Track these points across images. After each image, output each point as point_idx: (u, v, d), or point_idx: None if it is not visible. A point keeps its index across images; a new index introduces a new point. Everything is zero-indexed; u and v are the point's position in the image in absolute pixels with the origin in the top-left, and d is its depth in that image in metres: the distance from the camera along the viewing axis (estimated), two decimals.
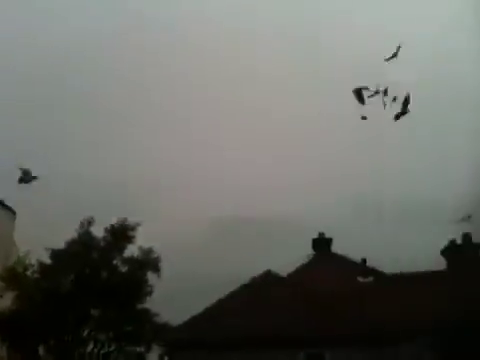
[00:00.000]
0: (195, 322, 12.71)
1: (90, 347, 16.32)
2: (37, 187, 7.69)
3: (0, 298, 16.01)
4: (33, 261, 17.02)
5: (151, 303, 16.88)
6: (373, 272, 15.06)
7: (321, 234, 17.47)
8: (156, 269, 17.11)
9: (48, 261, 17.15)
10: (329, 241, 17.38)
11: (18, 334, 15.53)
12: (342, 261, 16.22)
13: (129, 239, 17.79)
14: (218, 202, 33.21)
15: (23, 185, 7.59)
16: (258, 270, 14.36)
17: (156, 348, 15.29)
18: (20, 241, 21.48)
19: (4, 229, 21.28)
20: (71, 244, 17.38)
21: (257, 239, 30.05)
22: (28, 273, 16.94)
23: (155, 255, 17.30)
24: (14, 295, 16.28)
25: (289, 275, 15.44)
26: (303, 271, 16.00)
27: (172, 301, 15.89)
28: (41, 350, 16.38)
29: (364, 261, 15.39)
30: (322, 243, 17.30)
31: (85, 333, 16.46)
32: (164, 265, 17.35)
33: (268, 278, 14.14)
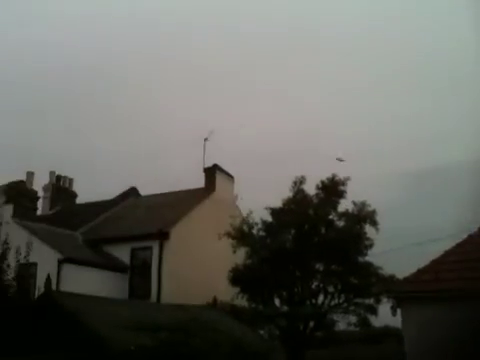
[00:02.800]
0: (421, 275, 12.57)
1: (321, 298, 17.35)
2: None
3: (234, 254, 17.81)
4: (257, 220, 18.51)
5: (372, 257, 17.12)
6: None
7: None
8: (373, 222, 17.23)
9: (269, 220, 18.51)
10: None
11: (254, 286, 17.29)
12: None
13: (341, 194, 18.23)
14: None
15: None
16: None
17: (385, 300, 15.54)
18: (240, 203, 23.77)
19: (226, 193, 23.59)
20: (287, 203, 18.46)
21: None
22: (254, 231, 18.51)
23: (370, 208, 17.43)
24: (245, 251, 18.02)
25: None
26: None
27: (393, 255, 15.80)
28: (276, 301, 18.01)
29: None
30: None
31: (314, 285, 17.56)
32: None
33: None
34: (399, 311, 12.34)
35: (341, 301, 17.15)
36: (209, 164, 23.79)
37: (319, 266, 17.65)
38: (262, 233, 18.45)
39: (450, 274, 12.08)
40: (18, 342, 11.83)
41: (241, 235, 18.12)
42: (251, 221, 18.53)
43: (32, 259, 16.15)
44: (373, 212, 17.38)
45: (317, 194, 18.47)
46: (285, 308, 17.60)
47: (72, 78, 41.95)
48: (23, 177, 23.37)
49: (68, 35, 42.28)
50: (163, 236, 19.60)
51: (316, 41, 41.10)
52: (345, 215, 17.94)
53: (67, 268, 17.82)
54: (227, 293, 17.51)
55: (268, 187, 26.71)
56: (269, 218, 18.51)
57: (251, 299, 17.60)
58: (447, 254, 12.96)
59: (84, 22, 42.51)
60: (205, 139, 23.98)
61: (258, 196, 23.34)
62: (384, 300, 15.59)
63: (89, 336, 11.29)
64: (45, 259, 17.49)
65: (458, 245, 13.12)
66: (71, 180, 27.50)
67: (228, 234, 18.00)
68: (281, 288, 17.59)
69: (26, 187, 23.14)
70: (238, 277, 17.35)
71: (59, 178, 26.94)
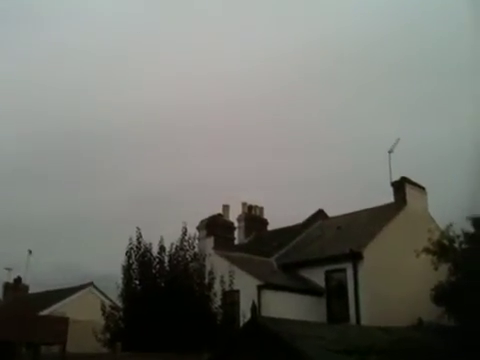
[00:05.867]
0: None
1: None
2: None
3: (435, 271, 16.57)
4: (458, 232, 17.02)
5: None
6: None
7: None
8: None
9: (472, 230, 16.88)
10: None
11: (461, 304, 15.75)
12: None
13: None
14: None
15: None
16: None
17: None
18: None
19: (418, 206, 22.25)
20: None
21: None
22: (455, 245, 17.03)
23: None
24: (447, 267, 16.63)
25: None
26: None
27: None
28: None
29: None
30: None
31: None
32: None
33: None
34: None
35: None
36: (396, 177, 22.76)
37: None
38: (465, 246, 16.90)
39: None
40: None
41: (442, 250, 16.85)
42: (452, 234, 17.17)
43: (234, 287, 17.13)
44: None
45: None
46: None
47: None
48: (220, 210, 25.10)
49: None
50: (356, 256, 19.16)
51: None
52: None
53: (266, 293, 18.44)
54: (431, 313, 16.31)
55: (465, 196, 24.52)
56: (471, 229, 16.93)
57: (459, 318, 16.09)
58: None
59: None
60: (389, 151, 23.08)
61: (455, 207, 21.55)
62: None
63: None
64: (246, 286, 18.37)
65: None
66: (261, 209, 28.75)
67: (427, 250, 16.92)
68: None
69: (224, 219, 24.86)
70: (442, 295, 16.07)
71: (250, 208, 28.36)
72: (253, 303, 14.09)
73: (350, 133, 40.29)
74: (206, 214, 23.75)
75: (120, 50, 44.55)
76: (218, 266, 17.63)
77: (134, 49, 44.98)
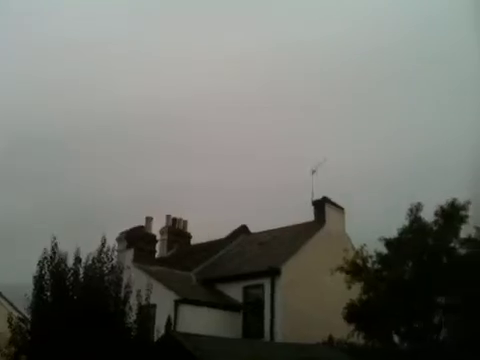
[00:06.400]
0: None
1: (443, 333, 16.08)
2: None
3: (349, 289, 17.16)
4: (370, 252, 17.74)
5: None
6: None
7: None
8: None
9: (384, 251, 17.66)
10: None
11: (370, 322, 16.46)
12: None
13: (462, 219, 16.99)
14: None
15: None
16: None
17: None
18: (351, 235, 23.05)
19: (336, 225, 22.99)
20: (403, 232, 17.53)
21: None
22: (368, 265, 17.74)
23: None
24: (360, 286, 17.29)
25: None
26: None
27: None
28: (395, 337, 16.97)
29: None
30: None
31: (436, 319, 16.33)
32: None
33: None
34: None
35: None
36: (317, 197, 23.41)
37: (441, 299, 16.40)
38: (377, 266, 17.66)
39: None
40: None
41: (355, 269, 17.49)
42: (365, 254, 17.85)
43: (152, 301, 16.82)
44: None
45: (436, 221, 17.40)
46: (405, 345, 16.51)
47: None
48: (142, 222, 24.69)
49: None
50: (274, 273, 19.46)
51: None
52: (468, 241, 16.62)
53: (183, 309, 18.30)
54: (343, 330, 16.85)
55: (380, 216, 25.66)
56: (384, 250, 17.72)
57: (368, 336, 16.75)
58: None
59: None
60: (313, 171, 23.71)
61: (370, 227, 22.51)
62: None
63: None
64: (163, 300, 18.12)
65: None
66: (186, 222, 28.53)
67: (341, 268, 17.48)
68: (400, 324, 16.57)
69: (145, 231, 24.46)
70: (354, 313, 16.69)
71: (175, 221, 28.08)
72: (168, 318, 13.93)
73: (283, 150, 40.80)
74: (130, 226, 23.33)
75: None
76: (137, 279, 17.22)
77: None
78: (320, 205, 23.07)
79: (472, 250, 16.42)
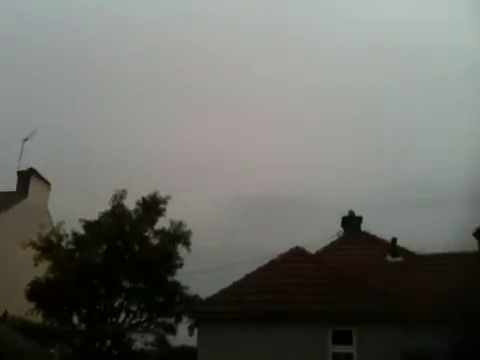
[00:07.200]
0: (223, 296, 12.87)
1: (122, 317, 16.77)
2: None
3: (35, 267, 16.43)
4: (68, 231, 17.42)
5: (181, 276, 17.18)
6: (403, 252, 14.93)
7: (351, 212, 17.36)
8: (186, 243, 17.34)
9: (82, 232, 17.56)
10: (359, 220, 17.27)
11: (53, 302, 16.08)
12: (371, 240, 16.14)
13: (160, 212, 18.07)
14: (249, 181, 33.61)
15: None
16: (287, 247, 14.35)
17: (185, 320, 15.61)
18: (54, 212, 22.21)
19: (39, 200, 21.88)
20: (104, 216, 17.74)
21: (287, 218, 30.34)
22: (62, 243, 17.35)
23: (186, 229, 17.53)
24: (49, 264, 16.75)
25: (317, 252, 15.43)
26: (332, 249, 16.00)
27: (202, 276, 16.11)
28: (75, 319, 16.94)
29: (394, 241, 15.22)
30: (352, 221, 17.22)
31: (117, 303, 16.93)
32: (194, 240, 17.61)
33: (296, 254, 14.14)
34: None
35: (143, 320, 16.84)
36: (25, 167, 21.87)
37: (126, 283, 17.15)
38: (71, 246, 17.40)
39: (251, 297, 12.58)
40: None
41: (47, 246, 16.87)
42: (61, 232, 17.41)
43: None
44: (188, 232, 17.51)
45: (136, 210, 18.08)
46: (84, 326, 16.69)
47: None
48: None
49: None
50: None
51: None
52: (161, 233, 17.79)
53: None
54: (23, 308, 16.02)
55: (87, 198, 25.40)
56: (82, 230, 17.59)
57: (47, 316, 16.33)
58: (248, 278, 13.51)
59: None
60: (25, 139, 22.02)
61: (75, 207, 22.05)
62: (185, 320, 15.69)
63: None
64: None
65: (260, 269, 13.78)
66: None
67: (33, 244, 16.65)
68: (82, 305, 16.67)
69: None
70: (36, 292, 16.03)
71: None
72: None
73: None
74: None
75: None
76: None
77: None
78: (25, 176, 21.64)
79: (162, 241, 17.54)
